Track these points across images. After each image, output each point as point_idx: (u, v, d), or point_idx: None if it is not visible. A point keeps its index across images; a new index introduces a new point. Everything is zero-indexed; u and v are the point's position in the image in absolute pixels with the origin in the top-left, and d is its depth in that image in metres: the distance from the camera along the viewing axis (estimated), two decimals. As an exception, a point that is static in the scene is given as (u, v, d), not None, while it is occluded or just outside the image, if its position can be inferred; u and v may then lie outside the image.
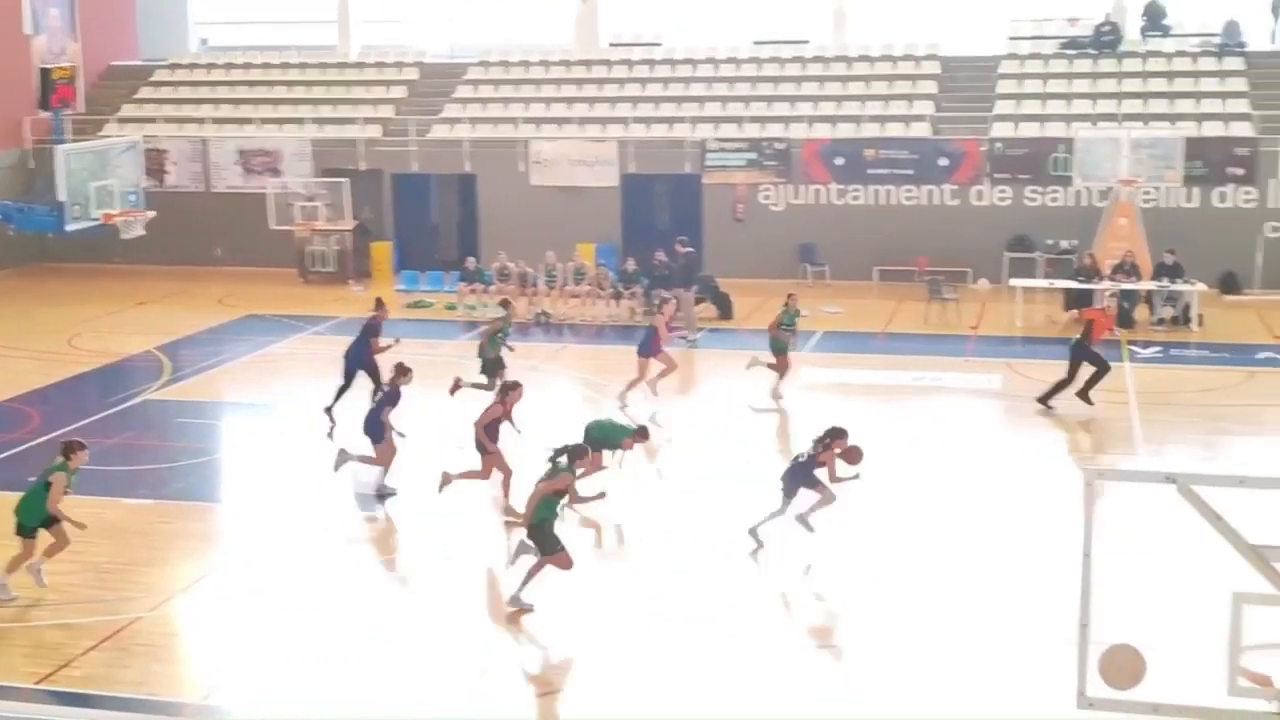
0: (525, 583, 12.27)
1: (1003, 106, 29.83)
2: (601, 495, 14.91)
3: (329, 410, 18.00)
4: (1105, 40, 30.68)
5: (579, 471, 13.20)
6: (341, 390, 18.15)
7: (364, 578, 13.37)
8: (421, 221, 31.77)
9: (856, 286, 27.95)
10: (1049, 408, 18.67)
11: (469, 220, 30.92)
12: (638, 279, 25.98)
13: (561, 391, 20.54)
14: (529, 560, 12.31)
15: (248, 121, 32.78)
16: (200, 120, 32.99)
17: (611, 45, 34.22)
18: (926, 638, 11.74)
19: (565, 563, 12.27)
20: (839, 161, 29.10)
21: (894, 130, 29.65)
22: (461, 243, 30.28)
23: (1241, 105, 28.58)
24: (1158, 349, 22.65)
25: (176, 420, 19.13)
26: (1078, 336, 18.97)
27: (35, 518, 12.52)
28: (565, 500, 12.81)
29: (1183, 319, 24.18)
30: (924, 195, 28.68)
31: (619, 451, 15.28)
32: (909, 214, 28.65)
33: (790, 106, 30.88)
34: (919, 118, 29.90)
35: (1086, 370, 18.63)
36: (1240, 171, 27.05)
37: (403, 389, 15.57)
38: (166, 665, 11.34)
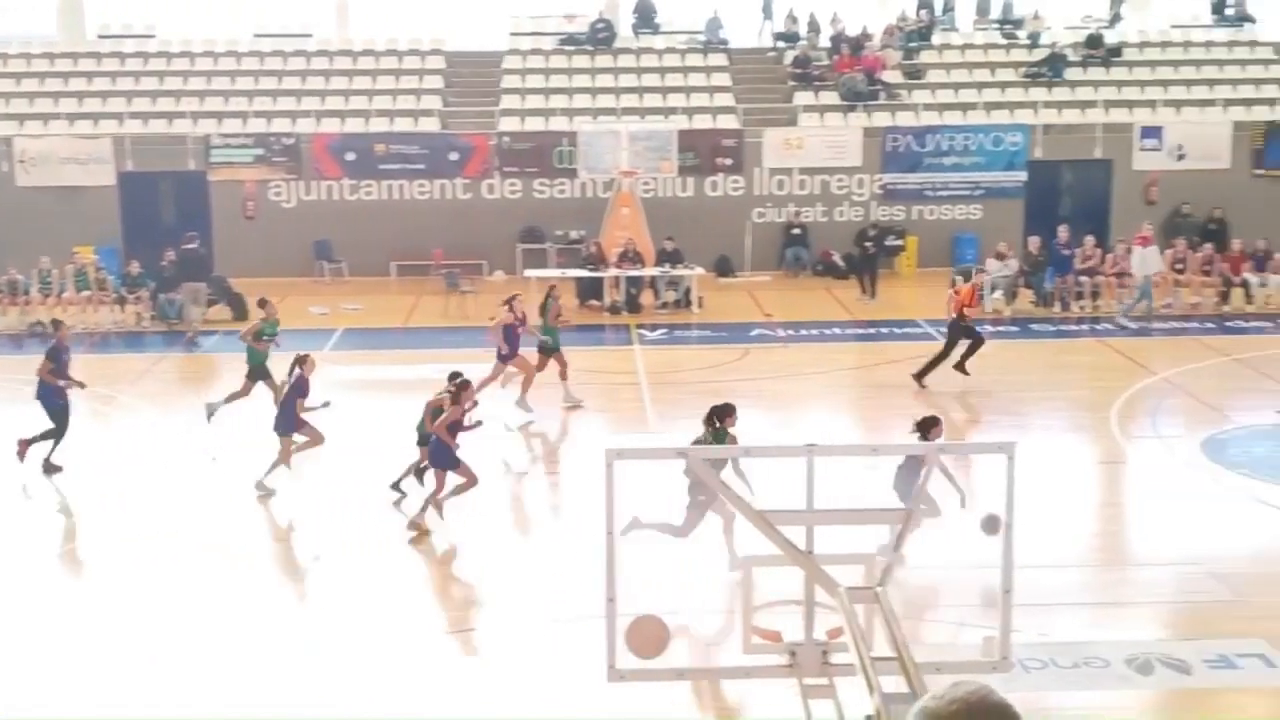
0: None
1: (508, 101, 30.50)
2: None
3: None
4: (601, 37, 31.98)
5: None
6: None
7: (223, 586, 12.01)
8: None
9: (375, 282, 27.79)
10: (923, 385, 19.19)
11: (-54, 225, 28.34)
12: (143, 282, 24.71)
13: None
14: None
15: None
16: None
17: (100, 37, 32.30)
18: (463, 622, 11.85)
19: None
20: (350, 157, 28.81)
21: (403, 125, 29.68)
22: (-62, 250, 27.70)
23: (727, 99, 30.57)
24: (663, 331, 23.88)
25: None
26: (955, 314, 19.67)
27: None
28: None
29: (684, 302, 25.60)
30: (437, 189, 28.89)
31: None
32: (423, 208, 28.78)
33: (296, 101, 30.26)
34: (427, 112, 30.07)
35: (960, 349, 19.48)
36: (729, 162, 28.94)
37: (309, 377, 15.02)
38: None
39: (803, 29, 32.19)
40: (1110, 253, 25.33)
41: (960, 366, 19.65)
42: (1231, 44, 32.11)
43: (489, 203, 28.89)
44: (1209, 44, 32.17)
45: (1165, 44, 32.18)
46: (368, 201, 28.83)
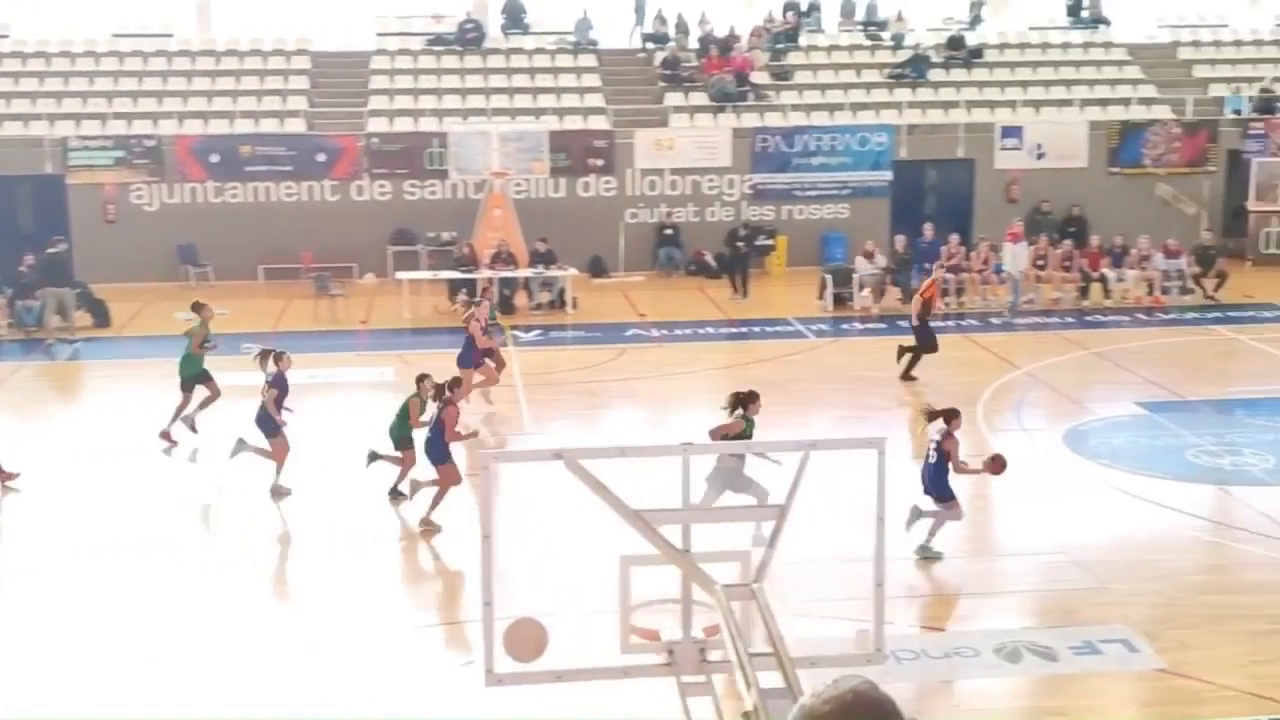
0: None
1: (377, 102, 30.18)
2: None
3: None
4: (470, 38, 31.80)
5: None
6: None
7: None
8: None
9: (242, 286, 27.29)
10: (913, 378, 19.63)
11: None
12: (-1, 289, 24.01)
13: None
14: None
15: None
16: None
17: (-50, 36, 31.28)
18: (328, 628, 11.70)
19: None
20: (214, 159, 28.26)
21: (269, 126, 29.20)
22: None
23: (598, 100, 30.61)
24: (538, 332, 23.83)
25: None
26: (918, 312, 20.04)
27: None
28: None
29: (559, 302, 25.58)
30: (305, 191, 28.48)
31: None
32: (291, 211, 28.34)
33: (158, 102, 29.61)
34: (294, 113, 29.63)
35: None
36: (601, 162, 28.98)
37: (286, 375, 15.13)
38: None
39: (671, 30, 32.36)
40: (974, 250, 25.87)
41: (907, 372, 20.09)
42: (1087, 45, 33.01)
43: (358, 204, 28.55)
44: (1066, 45, 33.03)
45: (1024, 45, 32.96)
46: (233, 204, 28.30)
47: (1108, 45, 33.00)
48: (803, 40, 32.75)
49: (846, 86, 31.18)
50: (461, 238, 27.05)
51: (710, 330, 24.10)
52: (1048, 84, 31.42)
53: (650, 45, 32.39)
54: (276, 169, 28.40)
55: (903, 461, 14.08)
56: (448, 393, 14.21)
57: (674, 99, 30.46)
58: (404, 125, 29.39)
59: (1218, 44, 33.31)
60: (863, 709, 2.23)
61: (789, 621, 9.25)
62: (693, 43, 31.99)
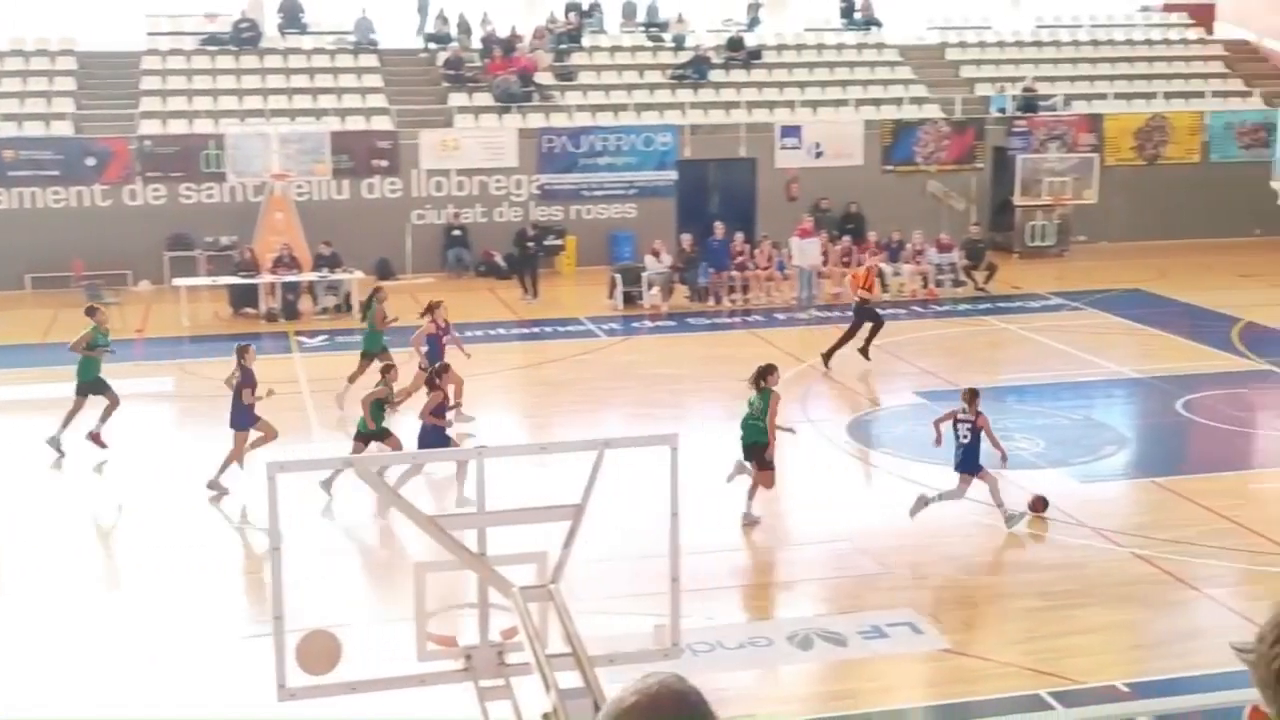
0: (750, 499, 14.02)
1: (149, 103, 29.17)
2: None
3: None
4: (245, 37, 31.00)
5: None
6: None
7: None
8: None
9: (8, 297, 26.06)
10: (827, 367, 19.91)
11: None
12: None
13: None
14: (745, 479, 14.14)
15: None
16: None
17: None
18: (131, 638, 11.30)
19: (770, 481, 14.19)
20: (-26, 163, 26.92)
21: (33, 129, 27.94)
22: None
23: (380, 100, 30.19)
24: (324, 337, 23.37)
25: None
26: (856, 296, 20.50)
27: None
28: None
29: (344, 307, 25.14)
30: (73, 197, 27.33)
31: None
32: (59, 217, 27.17)
33: (-90, 104, 28.08)
34: (60, 115, 28.42)
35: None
36: (385, 163, 28.59)
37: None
38: None
39: (454, 30, 32.12)
40: (756, 247, 26.37)
41: (864, 351, 20.56)
42: (860, 47, 33.99)
43: (132, 209, 27.54)
44: (840, 47, 33.94)
45: (800, 47, 33.75)
46: (-4, 211, 27.01)
47: (880, 46, 34.04)
48: (586, 41, 32.89)
49: (630, 87, 31.44)
50: (242, 242, 26.35)
51: (502, 331, 24.01)
52: (824, 85, 32.24)
53: (433, 45, 32.10)
54: (42, 174, 27.18)
55: (696, 457, 14.27)
56: (437, 380, 14.93)
57: (458, 99, 30.25)
58: (178, 127, 28.48)
59: (982, 45, 34.68)
60: (669, 701, 2.30)
61: (587, 620, 9.29)
62: (475, 43, 31.82)
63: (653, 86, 31.56)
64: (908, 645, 11.54)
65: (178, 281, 25.01)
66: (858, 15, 34.74)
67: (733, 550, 13.74)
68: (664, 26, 33.61)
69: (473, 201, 28.94)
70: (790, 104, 31.33)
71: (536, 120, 29.87)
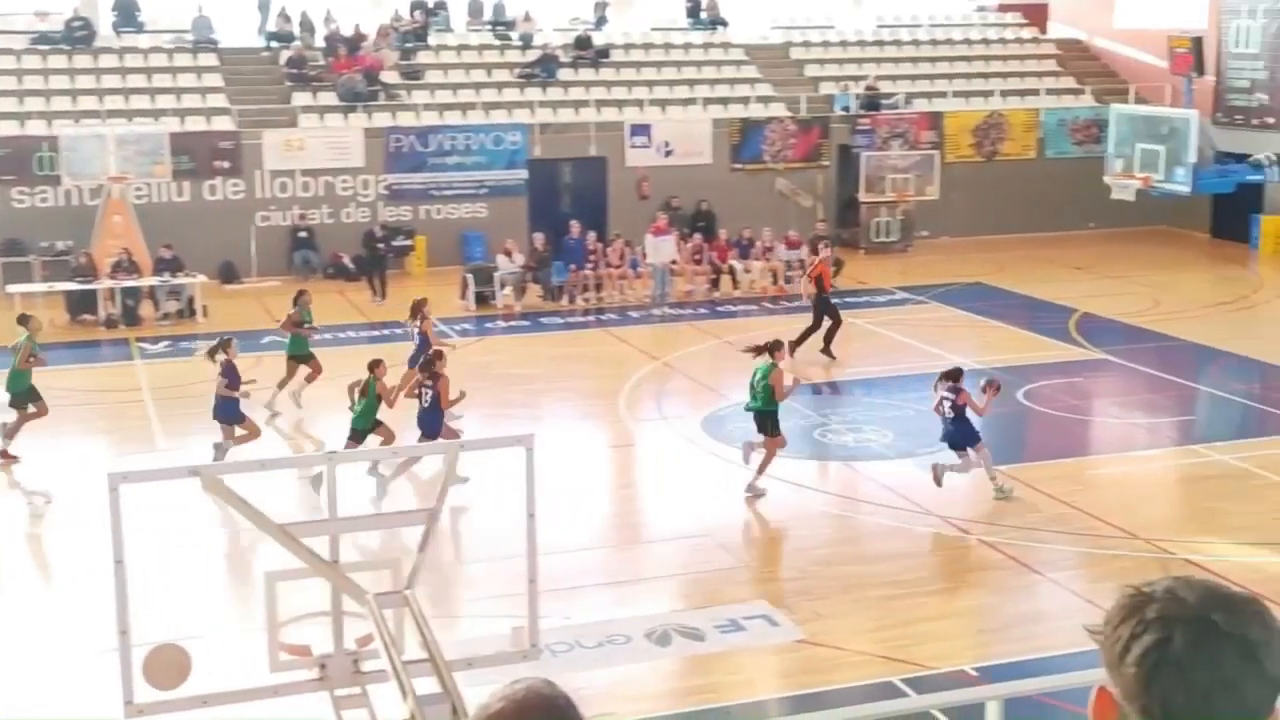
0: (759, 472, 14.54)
1: (-23, 103, 28.14)
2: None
3: None
4: (78, 36, 30.06)
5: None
6: None
7: None
8: None
9: None
10: (792, 355, 19.37)
11: None
12: None
13: None
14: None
15: None
16: None
17: None
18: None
19: (783, 443, 14.84)
20: None
21: None
22: None
23: (221, 100, 29.53)
24: (166, 343, 22.77)
25: None
26: (816, 291, 21.01)
27: None
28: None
29: (187, 312, 24.54)
30: (-103, 201, 26.24)
31: None
32: (-119, 222, 26.04)
33: None
34: (-119, 116, 27.27)
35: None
36: (227, 164, 27.96)
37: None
38: None
39: (296, 28, 31.57)
40: (609, 246, 26.43)
41: (826, 350, 20.85)
42: (707, 46, 34.27)
43: (-40, 214, 26.52)
44: (687, 46, 34.17)
45: (648, 46, 33.91)
46: None
47: (726, 46, 34.36)
48: (432, 39, 32.60)
49: (478, 86, 31.25)
50: (79, 247, 25.54)
51: (351, 334, 23.65)
52: (672, 84, 32.43)
53: (275, 44, 31.51)
54: None
55: (552, 457, 14.24)
56: (436, 365, 15.15)
57: (302, 99, 29.75)
58: (9, 129, 27.48)
59: (826, 44, 35.23)
60: (536, 707, 2.31)
61: (445, 625, 9.21)
62: (319, 41, 31.33)
63: (501, 85, 31.42)
64: (764, 637, 11.67)
65: (11, 288, 24.14)
66: (704, 15, 35.02)
67: (590, 549, 13.75)
68: (511, 25, 33.47)
69: (319, 202, 28.48)
70: (639, 103, 31.46)
71: (383, 119, 29.51)
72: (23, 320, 17.18)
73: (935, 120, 32.39)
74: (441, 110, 30.16)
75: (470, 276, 25.69)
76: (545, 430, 16.67)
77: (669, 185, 29.85)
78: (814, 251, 23.43)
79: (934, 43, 35.78)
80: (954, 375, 15.12)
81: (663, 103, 31.62)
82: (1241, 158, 20.98)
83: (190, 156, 27.59)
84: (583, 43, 32.60)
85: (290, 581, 7.67)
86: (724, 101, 32.01)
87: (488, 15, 33.86)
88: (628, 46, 33.66)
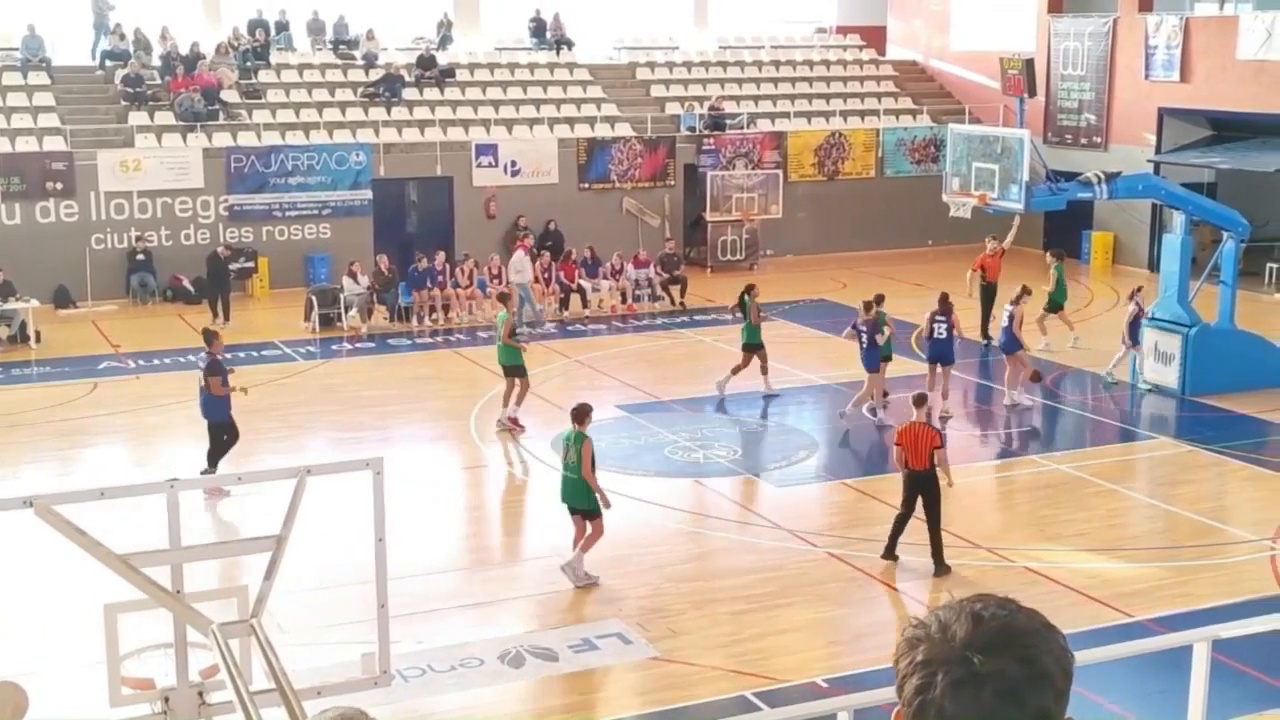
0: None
1: None
2: None
3: None
4: (-100, 52, 28.92)
5: None
6: None
7: None
8: None
9: None
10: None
11: None
12: None
13: None
14: None
15: None
16: None
17: None
18: None
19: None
20: None
21: None
22: None
23: (53, 120, 28.65)
24: (-2, 371, 22.04)
25: None
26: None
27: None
28: None
29: (20, 337, 23.76)
30: None
31: None
32: None
33: None
34: None
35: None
36: (60, 186, 27.13)
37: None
38: None
39: (131, 47, 30.78)
40: (457, 266, 26.27)
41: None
42: (552, 66, 34.32)
43: None
44: (533, 66, 34.19)
45: (493, 65, 33.84)
46: None
47: (571, 66, 34.46)
48: (273, 59, 32.08)
49: (321, 105, 30.85)
50: (-98, 272, 24.56)
51: (192, 359, 23.06)
52: (518, 103, 32.41)
53: (110, 62, 30.69)
54: None
55: (401, 480, 14.08)
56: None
57: (138, 118, 29.02)
58: None
59: (670, 65, 35.57)
60: None
61: (293, 653, 9.04)
62: (155, 60, 30.61)
63: (344, 105, 31.06)
64: (618, 656, 11.70)
65: None
66: (549, 35, 35.09)
67: (443, 572, 13.64)
68: (354, 44, 33.12)
69: (157, 224, 27.79)
70: (485, 122, 31.37)
71: (223, 139, 28.93)
72: None
73: (778, 140, 32.92)
74: (284, 130, 29.69)
75: (314, 298, 25.30)
76: (396, 453, 16.50)
77: (517, 205, 29.82)
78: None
79: (776, 64, 36.37)
80: (945, 303, 19.26)
81: (509, 122, 31.58)
82: (1072, 176, 21.66)
83: (21, 178, 26.73)
84: (426, 62, 32.39)
85: (131, 613, 7.46)
86: (570, 121, 32.09)
87: (330, 34, 33.45)
88: (472, 66, 33.55)
